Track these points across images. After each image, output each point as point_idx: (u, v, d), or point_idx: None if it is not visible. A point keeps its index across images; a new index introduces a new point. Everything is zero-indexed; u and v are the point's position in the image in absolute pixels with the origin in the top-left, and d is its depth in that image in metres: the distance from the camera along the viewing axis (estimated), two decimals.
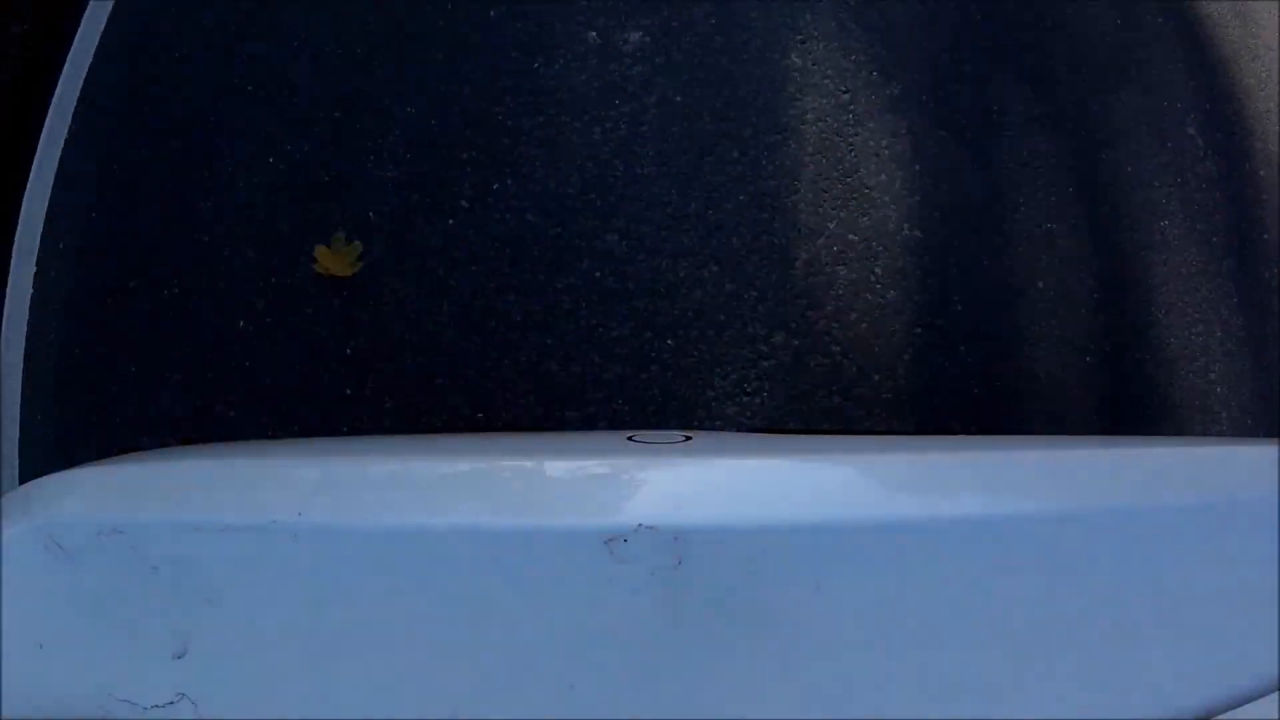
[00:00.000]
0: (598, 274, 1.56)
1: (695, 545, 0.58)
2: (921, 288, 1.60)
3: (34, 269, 1.94)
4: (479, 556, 0.59)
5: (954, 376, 1.56)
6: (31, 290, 1.93)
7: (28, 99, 2.04)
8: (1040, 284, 1.63)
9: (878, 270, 1.59)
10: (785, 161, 1.56)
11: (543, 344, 1.54)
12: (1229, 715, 0.54)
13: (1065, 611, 0.57)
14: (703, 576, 0.57)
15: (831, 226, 1.58)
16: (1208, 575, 0.60)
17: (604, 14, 1.68)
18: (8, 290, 1.94)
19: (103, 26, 2.03)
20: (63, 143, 2.00)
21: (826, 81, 1.64)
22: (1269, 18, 1.90)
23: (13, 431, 1.85)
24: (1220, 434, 1.64)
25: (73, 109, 2.01)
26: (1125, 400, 1.61)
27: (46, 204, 1.96)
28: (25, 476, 1.81)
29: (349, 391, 1.58)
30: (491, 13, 1.71)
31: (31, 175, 2.00)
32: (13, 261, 1.95)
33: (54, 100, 2.03)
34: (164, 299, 1.81)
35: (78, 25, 2.07)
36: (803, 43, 1.66)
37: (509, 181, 1.60)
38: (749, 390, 1.51)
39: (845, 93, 1.61)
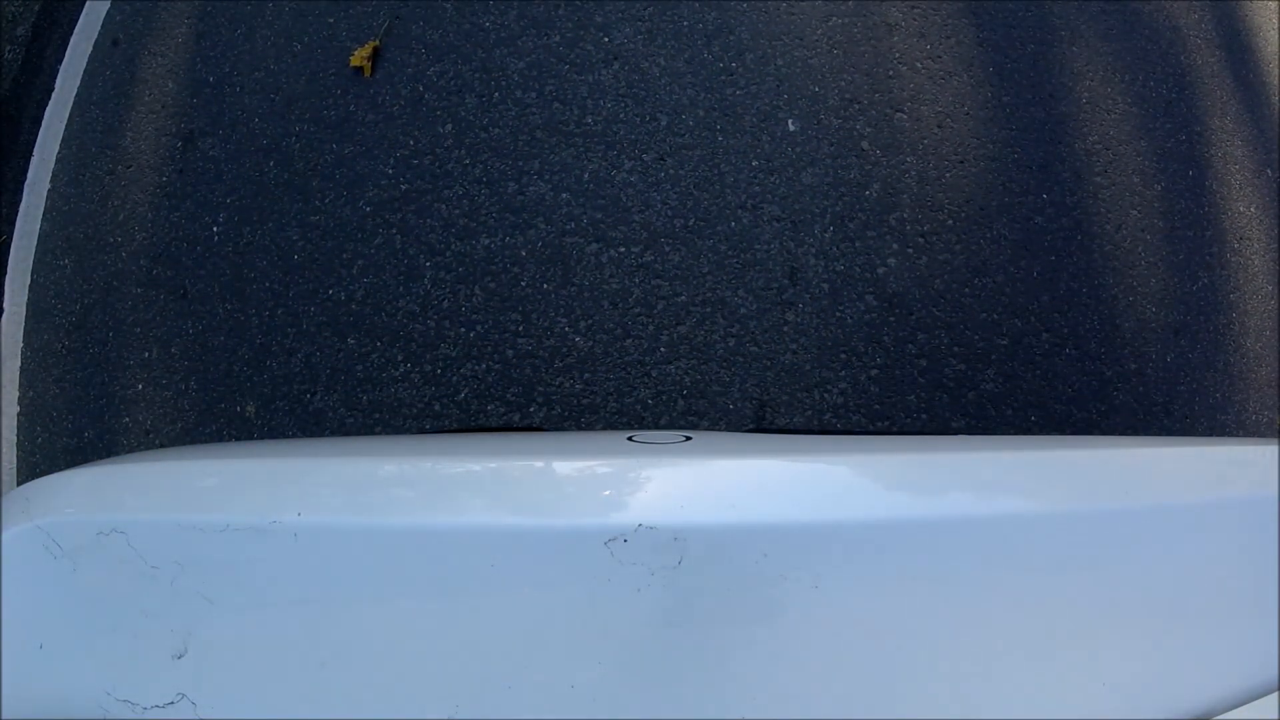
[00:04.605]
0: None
1: (695, 545, 0.58)
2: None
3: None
4: (479, 556, 0.59)
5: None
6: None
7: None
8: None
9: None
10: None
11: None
12: (1229, 715, 0.53)
13: (1065, 611, 0.57)
14: (702, 576, 0.57)
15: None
16: (1208, 575, 0.60)
17: None
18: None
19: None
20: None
21: None
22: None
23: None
24: (1221, 433, 1.64)
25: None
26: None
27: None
28: (24, 477, 1.81)
29: None
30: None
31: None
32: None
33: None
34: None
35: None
36: None
37: None
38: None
39: None
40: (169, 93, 1.92)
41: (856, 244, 1.61)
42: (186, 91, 1.91)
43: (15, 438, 1.85)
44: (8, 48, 2.10)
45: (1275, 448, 0.67)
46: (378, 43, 1.80)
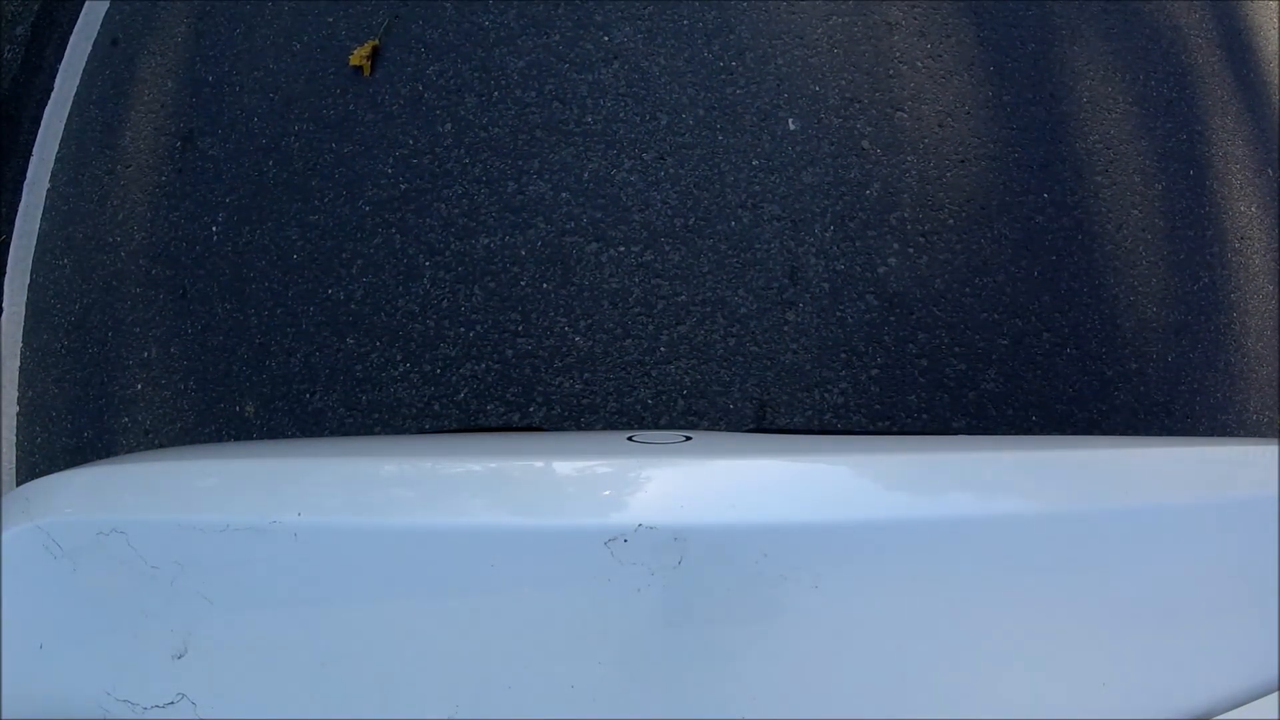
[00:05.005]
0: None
1: (695, 545, 0.58)
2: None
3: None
4: (479, 556, 0.59)
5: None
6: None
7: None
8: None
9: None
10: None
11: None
12: (1229, 715, 0.53)
13: (1065, 611, 0.57)
14: (702, 576, 0.57)
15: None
16: (1208, 575, 0.60)
17: None
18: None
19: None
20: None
21: None
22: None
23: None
24: (1221, 433, 1.64)
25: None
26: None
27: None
28: (24, 477, 1.81)
29: None
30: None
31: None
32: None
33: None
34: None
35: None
36: None
37: None
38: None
39: None
40: (168, 92, 1.92)
41: (857, 243, 1.61)
42: (186, 91, 1.90)
43: (15, 438, 1.85)
44: (7, 47, 2.10)
45: (1275, 448, 0.67)
46: (377, 42, 1.79)
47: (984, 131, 1.68)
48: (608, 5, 1.74)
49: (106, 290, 1.84)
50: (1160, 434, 1.61)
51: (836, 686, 0.55)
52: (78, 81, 2.02)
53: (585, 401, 1.57)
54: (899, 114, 1.67)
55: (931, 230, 1.62)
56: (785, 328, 1.58)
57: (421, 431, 1.60)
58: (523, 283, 1.63)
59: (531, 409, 1.58)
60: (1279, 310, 1.73)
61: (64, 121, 2.00)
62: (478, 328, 1.63)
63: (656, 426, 1.55)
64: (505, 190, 1.68)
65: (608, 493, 0.64)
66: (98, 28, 2.05)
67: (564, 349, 1.60)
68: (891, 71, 1.70)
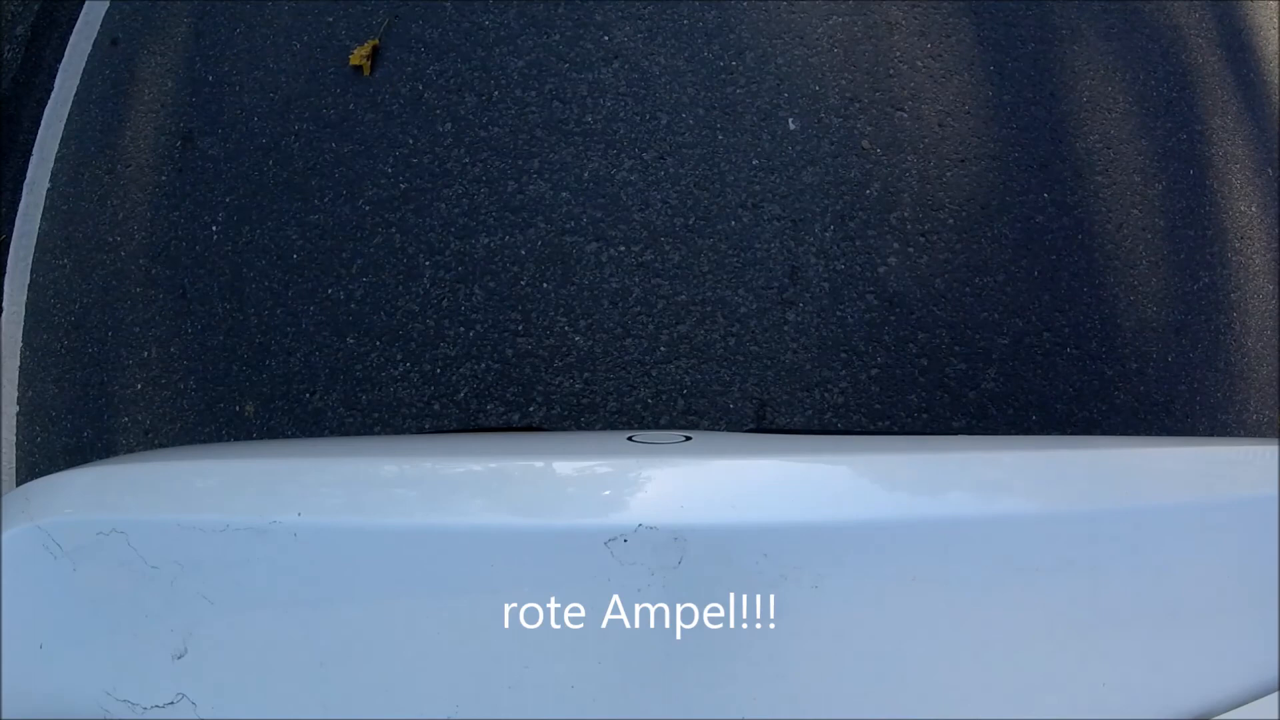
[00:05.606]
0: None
1: (695, 545, 0.58)
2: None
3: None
4: (479, 556, 0.59)
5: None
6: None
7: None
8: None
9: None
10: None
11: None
12: (1229, 715, 0.53)
13: (1065, 611, 0.57)
14: (702, 576, 0.57)
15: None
16: (1208, 575, 0.60)
17: None
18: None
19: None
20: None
21: None
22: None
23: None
24: (1222, 433, 1.64)
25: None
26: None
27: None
28: (24, 477, 1.81)
29: None
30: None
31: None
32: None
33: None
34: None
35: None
36: None
37: None
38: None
39: None
40: (168, 92, 1.92)
41: (857, 243, 1.61)
42: (185, 90, 1.90)
43: (15, 438, 1.85)
44: (7, 47, 2.10)
45: (1275, 448, 0.67)
46: (377, 41, 1.79)
47: (984, 131, 1.68)
48: (608, 5, 1.74)
49: (106, 290, 1.84)
50: (1160, 434, 1.61)
51: (836, 687, 0.55)
52: (78, 81, 2.02)
53: (585, 401, 1.57)
54: (899, 114, 1.67)
55: (931, 230, 1.62)
56: (785, 327, 1.58)
57: (421, 431, 1.60)
58: (523, 282, 1.63)
59: (531, 409, 1.58)
60: (1279, 310, 1.73)
61: (64, 121, 2.00)
62: (478, 327, 1.63)
63: (656, 426, 1.55)
64: (505, 190, 1.68)
65: (608, 493, 0.64)
66: (98, 28, 2.05)
67: (564, 348, 1.60)
68: (891, 71, 1.70)
